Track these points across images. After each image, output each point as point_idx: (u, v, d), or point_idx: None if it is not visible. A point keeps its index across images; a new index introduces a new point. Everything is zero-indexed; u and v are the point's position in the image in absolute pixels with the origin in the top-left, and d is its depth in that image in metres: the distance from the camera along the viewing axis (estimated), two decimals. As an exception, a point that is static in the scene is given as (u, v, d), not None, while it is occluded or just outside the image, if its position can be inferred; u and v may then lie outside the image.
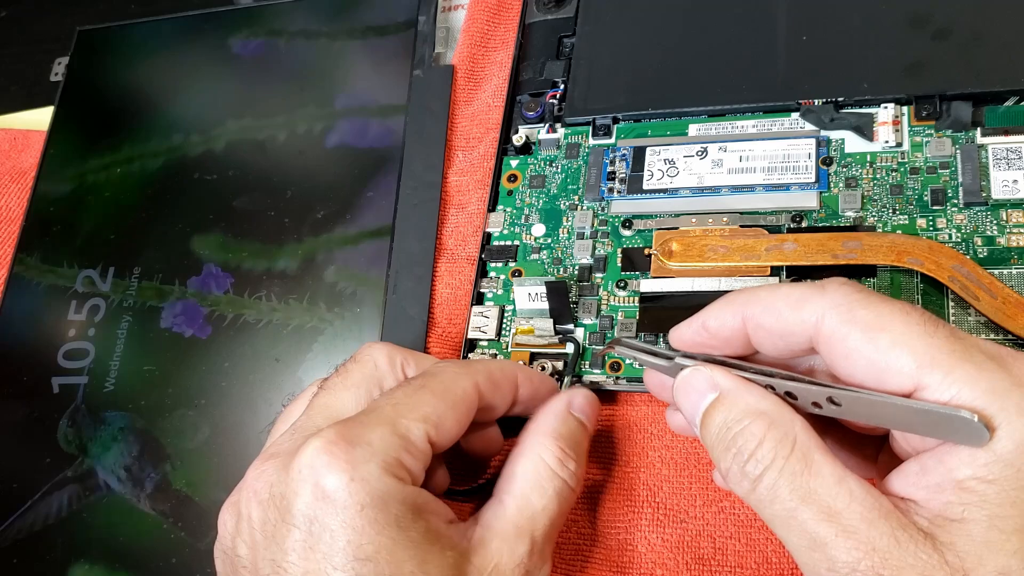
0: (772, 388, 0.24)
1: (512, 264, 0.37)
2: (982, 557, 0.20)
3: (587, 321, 0.34)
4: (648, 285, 0.34)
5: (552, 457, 0.28)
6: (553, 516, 0.27)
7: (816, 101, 0.35)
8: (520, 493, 0.27)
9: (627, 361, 0.33)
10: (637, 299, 0.34)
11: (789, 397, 0.24)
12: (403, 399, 0.27)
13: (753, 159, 0.35)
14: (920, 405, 0.21)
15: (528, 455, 0.28)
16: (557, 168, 0.38)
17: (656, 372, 0.28)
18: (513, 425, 0.31)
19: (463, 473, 0.33)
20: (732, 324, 0.25)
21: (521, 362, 0.34)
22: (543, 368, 0.33)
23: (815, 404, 0.24)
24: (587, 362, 0.33)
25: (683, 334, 0.27)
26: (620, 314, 0.34)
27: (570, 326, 0.34)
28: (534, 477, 0.28)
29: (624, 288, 0.34)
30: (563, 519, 0.28)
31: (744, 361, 0.26)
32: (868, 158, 0.34)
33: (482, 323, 0.35)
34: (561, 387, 0.33)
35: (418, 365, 0.30)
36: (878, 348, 0.22)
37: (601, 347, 0.33)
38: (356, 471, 0.24)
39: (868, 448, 0.27)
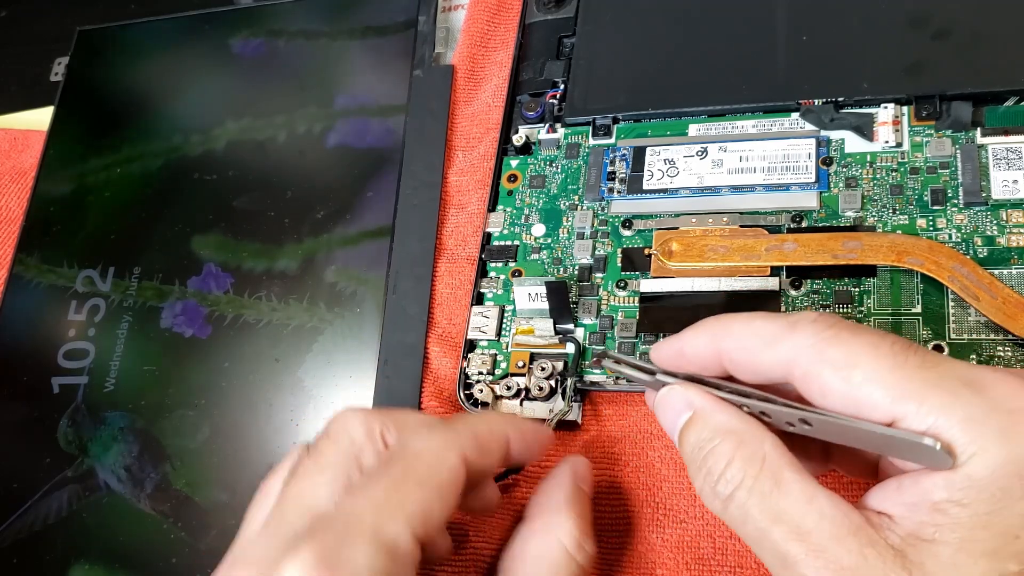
0: (747, 408, 0.25)
1: (512, 264, 0.37)
2: None
3: (587, 321, 0.34)
4: (648, 285, 0.34)
5: (570, 539, 0.27)
6: None
7: (816, 101, 0.35)
8: None
9: (609, 376, 0.32)
10: (637, 299, 0.34)
11: (764, 416, 0.24)
12: (383, 497, 0.24)
13: (753, 159, 0.35)
14: (885, 431, 0.21)
15: (544, 535, 0.27)
16: (557, 168, 0.38)
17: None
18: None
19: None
20: (706, 354, 0.25)
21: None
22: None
23: (788, 423, 0.24)
24: (587, 362, 0.34)
25: (661, 354, 0.27)
26: (620, 314, 0.34)
27: (570, 326, 0.34)
28: (550, 563, 0.27)
29: (624, 288, 0.34)
30: None
31: (723, 380, 0.26)
32: (868, 158, 0.34)
33: (482, 323, 0.35)
34: (566, 390, 0.33)
35: (398, 429, 0.27)
36: (851, 385, 0.22)
37: (600, 347, 0.33)
38: None
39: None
